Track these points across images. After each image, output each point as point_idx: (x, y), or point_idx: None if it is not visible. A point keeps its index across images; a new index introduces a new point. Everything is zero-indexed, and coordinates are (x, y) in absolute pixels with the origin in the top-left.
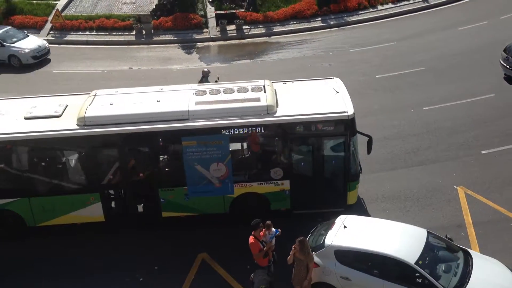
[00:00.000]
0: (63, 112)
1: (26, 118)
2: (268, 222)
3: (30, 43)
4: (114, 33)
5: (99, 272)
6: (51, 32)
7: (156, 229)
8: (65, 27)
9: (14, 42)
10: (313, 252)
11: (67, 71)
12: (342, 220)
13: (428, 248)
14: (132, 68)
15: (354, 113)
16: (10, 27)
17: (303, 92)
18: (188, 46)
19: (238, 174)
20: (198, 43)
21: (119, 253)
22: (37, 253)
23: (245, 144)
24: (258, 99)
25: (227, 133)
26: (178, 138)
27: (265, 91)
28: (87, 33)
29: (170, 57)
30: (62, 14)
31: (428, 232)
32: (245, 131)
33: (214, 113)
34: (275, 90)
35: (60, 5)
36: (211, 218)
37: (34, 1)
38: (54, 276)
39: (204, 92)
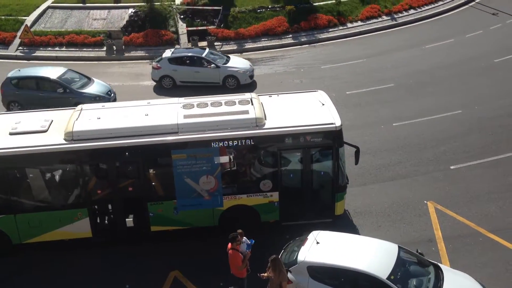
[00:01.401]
0: (49, 127)
1: (11, 134)
2: (240, 230)
3: (242, 63)
4: (85, 49)
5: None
6: (20, 47)
7: (125, 245)
8: (34, 42)
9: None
10: (286, 268)
11: None
12: (315, 236)
13: (400, 263)
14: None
15: (341, 125)
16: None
17: (289, 104)
18: None
19: (228, 187)
20: None
21: (89, 270)
22: (5, 271)
23: (234, 157)
24: (246, 112)
25: (216, 145)
26: (168, 152)
27: (252, 104)
28: (57, 49)
29: (142, 73)
30: (31, 29)
31: (399, 247)
32: (234, 144)
33: (203, 126)
34: (262, 103)
35: (29, 20)
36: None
37: (3, 17)
38: None
39: (192, 106)
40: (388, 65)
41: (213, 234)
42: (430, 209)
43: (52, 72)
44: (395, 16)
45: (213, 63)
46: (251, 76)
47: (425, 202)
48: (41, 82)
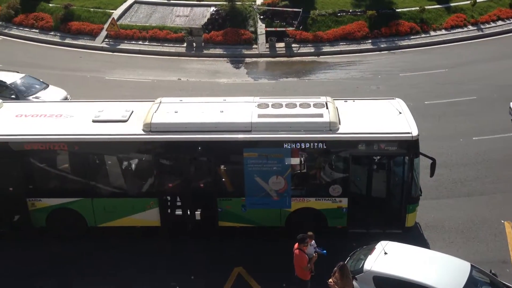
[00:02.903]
0: (129, 117)
1: (94, 121)
2: (310, 233)
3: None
4: (166, 44)
5: (135, 273)
6: (106, 39)
7: (197, 238)
8: (119, 35)
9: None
10: (352, 275)
11: (118, 78)
12: (383, 246)
13: (471, 282)
14: (180, 79)
15: (418, 134)
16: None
17: (365, 110)
18: (236, 60)
19: (296, 189)
20: (246, 58)
21: (158, 258)
22: (81, 250)
23: (305, 159)
24: (321, 115)
25: (288, 147)
26: (240, 149)
27: (327, 108)
28: (140, 42)
29: (219, 71)
30: (118, 23)
31: (472, 265)
32: (306, 146)
33: (276, 126)
34: (336, 107)
35: (116, 14)
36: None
37: (92, 9)
38: (93, 274)
39: (267, 105)
40: (471, 77)
41: (279, 235)
42: (507, 229)
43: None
44: (482, 26)
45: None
46: None
47: (502, 221)
48: None
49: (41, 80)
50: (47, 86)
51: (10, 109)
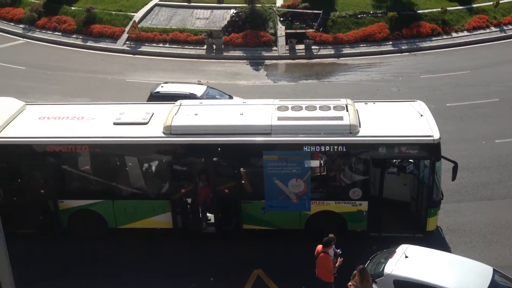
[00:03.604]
0: (149, 120)
1: (115, 124)
2: (332, 235)
3: None
4: (186, 47)
5: (155, 275)
6: (127, 42)
7: (213, 240)
8: (140, 38)
9: None
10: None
11: (139, 80)
12: (404, 249)
13: (493, 287)
14: (200, 81)
15: (440, 138)
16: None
17: (386, 113)
18: (256, 62)
19: (316, 192)
20: (266, 60)
21: (177, 260)
22: (101, 251)
23: (325, 162)
24: (341, 118)
25: (308, 150)
26: (259, 152)
27: (347, 110)
28: (161, 45)
29: (238, 73)
30: (139, 25)
31: (494, 270)
32: (326, 149)
33: (296, 129)
34: (357, 110)
35: (137, 17)
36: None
37: (113, 12)
38: (113, 275)
39: (287, 108)
40: (493, 79)
41: (299, 238)
42: None
43: (197, 89)
44: (505, 28)
45: None
46: None
47: None
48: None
49: (222, 91)
50: (231, 97)
51: (33, 112)
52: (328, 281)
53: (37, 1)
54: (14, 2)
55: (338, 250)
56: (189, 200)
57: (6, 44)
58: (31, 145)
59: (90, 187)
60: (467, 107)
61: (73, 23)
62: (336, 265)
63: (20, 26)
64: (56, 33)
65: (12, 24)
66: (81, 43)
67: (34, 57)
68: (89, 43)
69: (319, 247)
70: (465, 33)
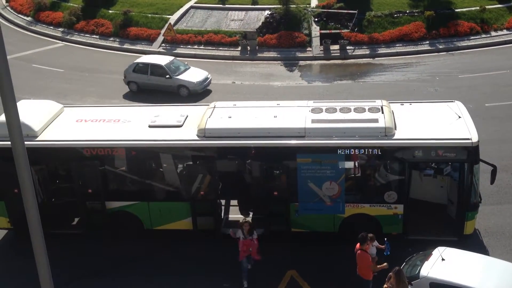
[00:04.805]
0: (184, 122)
1: (150, 126)
2: (371, 234)
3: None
4: (221, 48)
5: (188, 275)
6: (163, 44)
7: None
8: (175, 40)
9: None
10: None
11: None
12: (440, 252)
13: None
14: (235, 83)
15: (478, 141)
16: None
17: (422, 114)
18: (290, 63)
19: (350, 194)
20: (300, 61)
21: (211, 260)
22: (135, 252)
23: (359, 165)
24: (376, 120)
25: (342, 153)
26: (293, 155)
27: (383, 112)
28: (196, 47)
29: (272, 74)
30: (174, 28)
31: None
32: (361, 152)
33: (330, 132)
34: (392, 111)
35: (173, 19)
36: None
37: (149, 15)
38: (143, 275)
39: (321, 110)
40: None
41: (334, 241)
42: None
43: (162, 59)
44: None
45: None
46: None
47: None
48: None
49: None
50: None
51: (71, 114)
52: (367, 278)
53: (75, 5)
54: (53, 6)
55: (383, 246)
56: (222, 202)
57: (45, 47)
58: (71, 148)
59: (127, 189)
60: (507, 107)
61: (110, 26)
62: (379, 266)
63: (59, 29)
64: (94, 36)
65: (51, 27)
66: (118, 45)
67: (72, 60)
68: (126, 46)
69: (358, 244)
70: (505, 31)
